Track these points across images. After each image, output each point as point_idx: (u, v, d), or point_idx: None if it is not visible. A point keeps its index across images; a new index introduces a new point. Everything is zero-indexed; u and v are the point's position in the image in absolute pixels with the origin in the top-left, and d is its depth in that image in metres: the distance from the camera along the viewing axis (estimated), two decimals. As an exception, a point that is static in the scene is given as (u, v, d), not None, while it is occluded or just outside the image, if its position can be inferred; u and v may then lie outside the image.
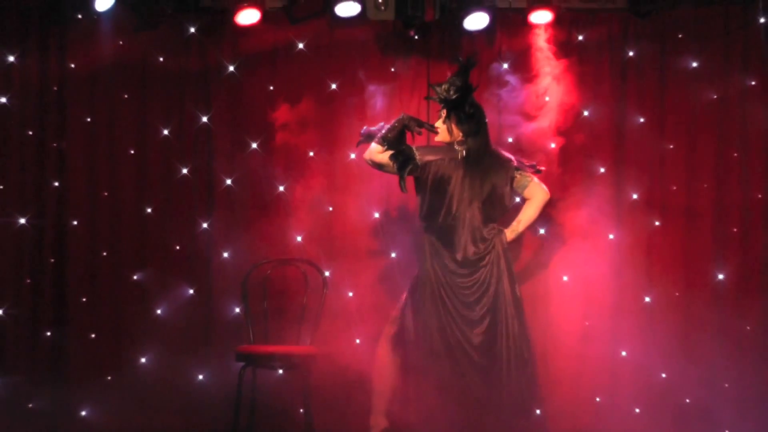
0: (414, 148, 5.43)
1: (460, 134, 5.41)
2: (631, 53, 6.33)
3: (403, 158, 5.38)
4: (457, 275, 5.36)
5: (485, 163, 5.39)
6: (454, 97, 5.36)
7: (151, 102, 6.36)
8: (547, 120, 6.22)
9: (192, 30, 6.32)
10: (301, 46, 6.34)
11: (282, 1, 6.30)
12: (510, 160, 5.48)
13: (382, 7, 6.26)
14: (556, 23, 6.25)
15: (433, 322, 5.36)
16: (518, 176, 5.48)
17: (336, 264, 6.27)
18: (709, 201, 6.30)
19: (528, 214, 5.52)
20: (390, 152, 5.39)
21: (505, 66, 6.27)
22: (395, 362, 5.57)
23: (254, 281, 5.98)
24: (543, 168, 5.78)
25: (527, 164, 5.59)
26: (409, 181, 5.44)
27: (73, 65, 6.23)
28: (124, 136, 6.34)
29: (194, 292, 6.33)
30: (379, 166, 5.45)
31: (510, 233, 5.48)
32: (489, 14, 6.08)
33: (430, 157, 5.40)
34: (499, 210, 5.45)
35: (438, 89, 5.42)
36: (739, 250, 6.25)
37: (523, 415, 5.43)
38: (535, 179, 5.53)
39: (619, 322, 6.22)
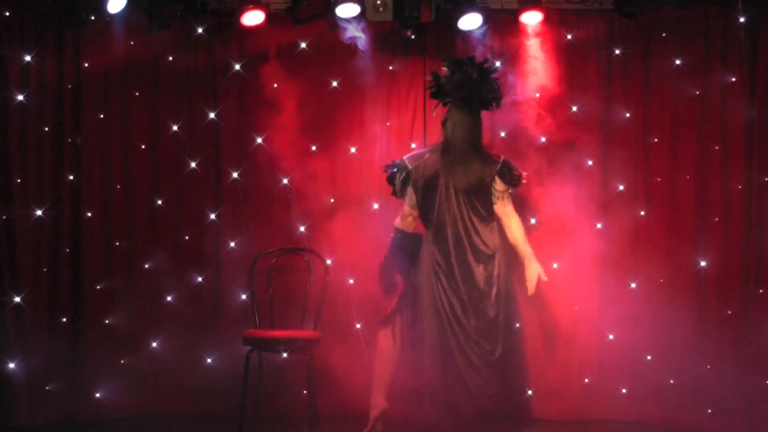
0: (404, 158, 5.61)
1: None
2: (617, 52, 6.39)
3: (394, 171, 5.63)
4: (454, 266, 5.47)
5: (468, 157, 5.49)
6: (434, 87, 5.56)
7: (162, 99, 6.45)
8: (537, 115, 6.31)
9: (200, 31, 6.41)
10: (303, 45, 6.43)
11: (286, 2, 6.39)
12: (497, 159, 5.54)
13: (381, 9, 6.28)
14: (546, 23, 6.30)
15: (431, 309, 5.47)
16: (497, 184, 5.50)
17: (337, 253, 6.32)
18: (691, 192, 6.32)
19: (520, 237, 5.52)
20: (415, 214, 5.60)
21: (498, 64, 6.30)
22: (395, 346, 5.66)
23: (260, 269, 6.11)
24: (525, 180, 5.71)
25: (514, 168, 5.55)
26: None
27: (87, 65, 6.25)
28: (136, 131, 6.42)
29: (203, 279, 6.44)
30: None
31: (527, 260, 5.48)
32: (482, 15, 6.16)
33: (418, 161, 5.55)
34: (487, 200, 5.52)
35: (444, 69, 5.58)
36: (719, 238, 6.25)
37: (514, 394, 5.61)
38: (510, 205, 5.52)
39: (606, 307, 6.29)
